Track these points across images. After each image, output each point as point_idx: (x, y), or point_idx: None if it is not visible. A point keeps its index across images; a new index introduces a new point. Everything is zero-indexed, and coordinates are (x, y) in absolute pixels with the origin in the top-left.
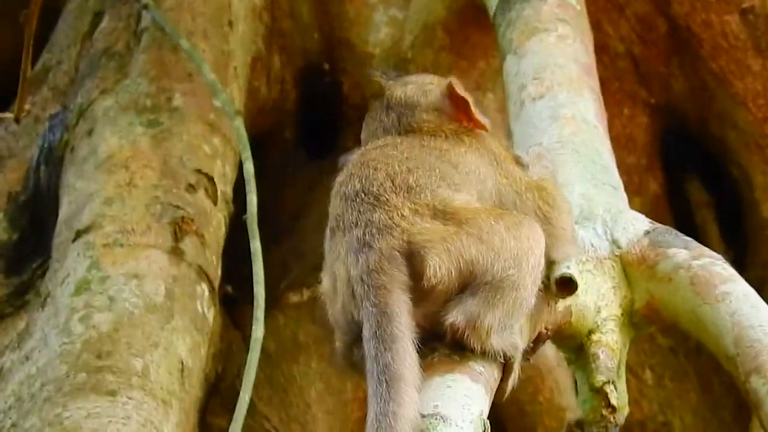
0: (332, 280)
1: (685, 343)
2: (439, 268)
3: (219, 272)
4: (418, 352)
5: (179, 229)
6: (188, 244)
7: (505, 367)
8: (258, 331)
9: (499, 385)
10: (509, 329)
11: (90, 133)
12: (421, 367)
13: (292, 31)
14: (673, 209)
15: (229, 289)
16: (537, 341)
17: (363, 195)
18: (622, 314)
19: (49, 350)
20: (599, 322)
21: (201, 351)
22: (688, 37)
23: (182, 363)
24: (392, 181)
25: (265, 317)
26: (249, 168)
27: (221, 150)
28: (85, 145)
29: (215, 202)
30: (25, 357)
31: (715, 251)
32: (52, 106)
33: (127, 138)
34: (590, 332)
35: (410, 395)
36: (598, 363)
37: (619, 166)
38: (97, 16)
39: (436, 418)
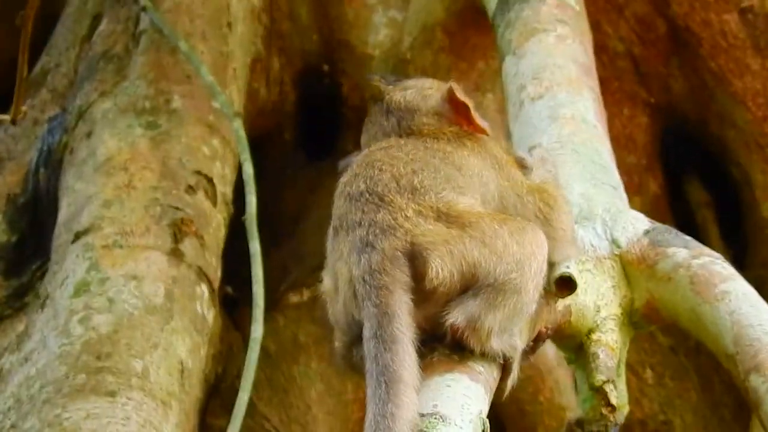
0: (334, 280)
1: (685, 342)
2: (441, 270)
3: (219, 273)
4: (417, 352)
5: (179, 230)
6: (188, 246)
7: (504, 367)
8: (257, 331)
9: (498, 385)
10: (509, 332)
11: (89, 135)
12: (420, 367)
13: (291, 33)
14: (673, 209)
15: (230, 290)
16: (537, 340)
17: (367, 195)
18: (621, 313)
19: (49, 352)
20: (599, 322)
21: (201, 352)
22: (687, 36)
23: (182, 364)
24: (397, 182)
25: (266, 318)
26: (248, 169)
27: (220, 151)
28: (84, 147)
29: (215, 204)
30: (25, 358)
31: (714, 251)
32: (51, 109)
33: (126, 140)
34: (590, 331)
35: (409, 396)
36: (597, 362)
37: (618, 166)
38: (96, 19)
39: (435, 418)
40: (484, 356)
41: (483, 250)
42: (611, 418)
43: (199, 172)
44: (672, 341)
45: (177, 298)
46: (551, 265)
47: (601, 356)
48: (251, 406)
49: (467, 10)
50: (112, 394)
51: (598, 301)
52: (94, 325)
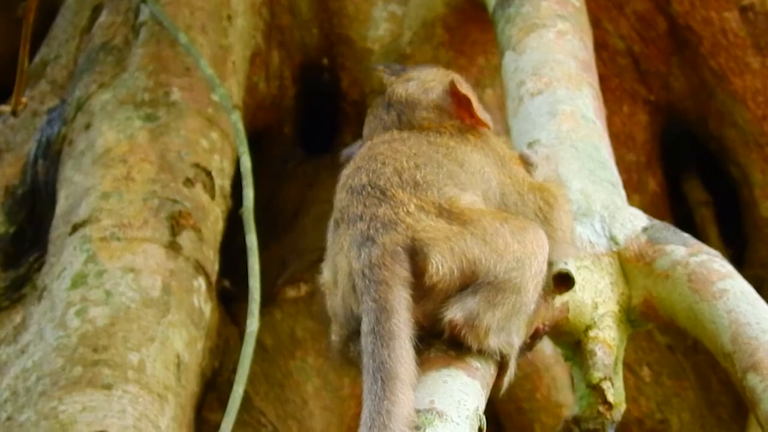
0: (333, 273)
1: (683, 341)
2: (441, 267)
3: (216, 267)
4: (415, 348)
5: (176, 223)
6: (185, 239)
7: (502, 364)
8: (252, 324)
9: (495, 382)
10: (507, 331)
11: (88, 127)
12: (417, 363)
13: (292, 27)
14: (672, 207)
15: (227, 284)
16: (534, 337)
17: (369, 188)
18: (619, 311)
19: (45, 344)
20: (596, 319)
21: (197, 346)
22: (687, 34)
23: (178, 357)
24: (400, 177)
25: (263, 312)
26: (246, 162)
27: (219, 144)
28: (82, 139)
29: (213, 197)
30: (21, 350)
31: (713, 249)
32: (50, 100)
33: (125, 132)
34: (587, 329)
35: (405, 393)
36: (595, 359)
37: (618, 164)
38: (96, 11)
39: (431, 414)
40: (482, 353)
41: (484, 248)
42: (608, 416)
43: (197, 165)
44: (670, 339)
45: (174, 291)
46: (549, 264)
47: (599, 353)
48: (247, 400)
49: (467, 6)
50: (108, 386)
51: (596, 298)
52: (91, 317)
